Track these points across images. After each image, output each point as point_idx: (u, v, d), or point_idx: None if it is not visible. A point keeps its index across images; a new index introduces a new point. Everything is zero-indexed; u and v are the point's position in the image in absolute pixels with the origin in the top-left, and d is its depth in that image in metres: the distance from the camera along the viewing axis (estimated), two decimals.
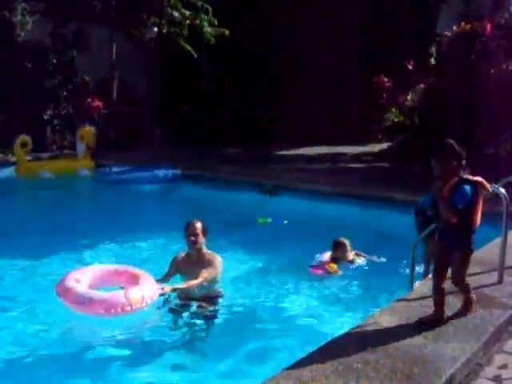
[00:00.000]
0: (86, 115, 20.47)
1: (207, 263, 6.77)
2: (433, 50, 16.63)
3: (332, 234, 10.12)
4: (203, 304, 6.57)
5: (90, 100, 21.05)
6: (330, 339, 4.98)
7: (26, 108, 19.64)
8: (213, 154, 19.20)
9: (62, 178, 16.48)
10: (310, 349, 4.74)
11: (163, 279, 6.81)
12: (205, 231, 6.84)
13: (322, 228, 10.56)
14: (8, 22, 20.05)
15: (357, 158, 17.19)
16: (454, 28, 15.22)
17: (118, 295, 6.10)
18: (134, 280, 6.56)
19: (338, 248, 8.13)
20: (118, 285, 6.74)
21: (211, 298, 6.70)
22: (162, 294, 6.43)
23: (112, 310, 6.03)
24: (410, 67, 16.47)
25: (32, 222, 11.65)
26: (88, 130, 18.15)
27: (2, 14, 19.75)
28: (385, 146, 17.53)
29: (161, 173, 15.68)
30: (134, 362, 5.76)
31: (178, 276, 7.00)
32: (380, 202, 11.90)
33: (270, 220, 11.44)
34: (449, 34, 15.30)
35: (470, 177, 5.06)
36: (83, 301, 6.06)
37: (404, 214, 10.59)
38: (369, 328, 5.12)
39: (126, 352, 5.93)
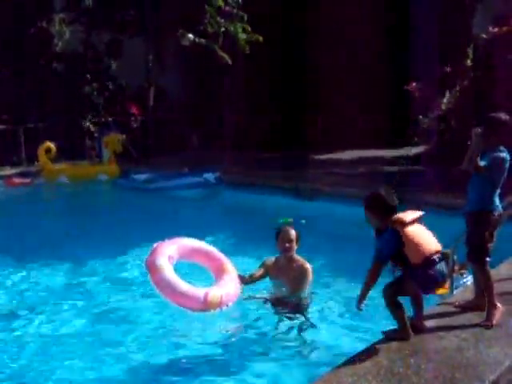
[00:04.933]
0: (122, 122, 20.72)
1: (296, 270, 6.69)
2: (469, 51, 16.42)
3: (368, 238, 10.11)
4: (291, 310, 6.58)
5: (127, 107, 21.31)
6: (370, 343, 4.99)
7: (64, 116, 19.97)
8: (249, 158, 19.24)
9: (78, 184, 16.80)
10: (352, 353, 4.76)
11: (249, 279, 6.85)
12: (298, 239, 6.77)
13: (359, 232, 10.53)
14: (46, 31, 20.46)
15: (393, 161, 17.08)
16: (491, 29, 15.08)
17: (197, 295, 6.16)
18: (220, 272, 6.65)
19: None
20: (202, 265, 6.91)
21: (298, 306, 6.64)
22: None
23: (186, 306, 6.19)
24: (448, 69, 16.31)
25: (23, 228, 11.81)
26: (113, 137, 18.33)
27: (40, 24, 20.15)
28: (421, 149, 17.39)
29: (197, 179, 15.68)
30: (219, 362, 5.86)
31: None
32: (416, 206, 11.79)
33: (290, 220, 11.39)
34: (484, 36, 15.17)
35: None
36: (165, 286, 6.18)
37: (441, 218, 10.55)
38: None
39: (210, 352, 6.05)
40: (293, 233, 6.76)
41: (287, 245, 6.69)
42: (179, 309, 6.51)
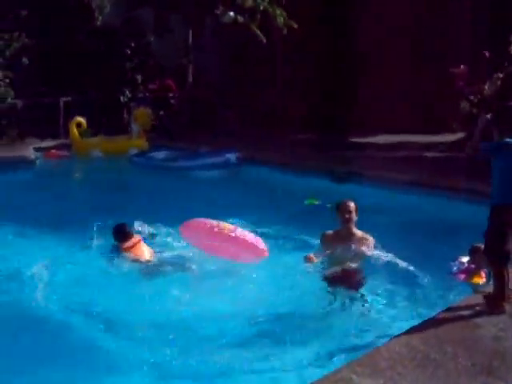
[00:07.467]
0: (160, 98, 20.77)
1: (359, 241, 6.94)
2: None
3: (402, 222, 10.05)
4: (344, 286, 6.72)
5: (165, 84, 21.33)
6: (406, 329, 4.99)
7: (103, 91, 20.07)
8: (284, 138, 19.12)
9: (110, 158, 16.81)
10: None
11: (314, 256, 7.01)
12: (357, 211, 7.03)
13: (394, 217, 10.48)
14: (87, 6, 20.55)
15: (431, 147, 16.89)
16: None
17: None
18: None
19: (476, 254, 7.47)
20: None
21: (355, 282, 6.84)
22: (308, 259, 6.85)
23: None
24: (487, 55, 16.04)
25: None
26: (143, 112, 18.31)
27: None
28: (460, 135, 17.16)
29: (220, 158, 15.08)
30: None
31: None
32: (453, 193, 11.72)
33: (317, 202, 11.32)
34: None
35: None
36: None
37: (478, 205, 10.44)
38: (446, 319, 5.11)
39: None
40: (352, 204, 7.01)
41: (347, 216, 6.93)
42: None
